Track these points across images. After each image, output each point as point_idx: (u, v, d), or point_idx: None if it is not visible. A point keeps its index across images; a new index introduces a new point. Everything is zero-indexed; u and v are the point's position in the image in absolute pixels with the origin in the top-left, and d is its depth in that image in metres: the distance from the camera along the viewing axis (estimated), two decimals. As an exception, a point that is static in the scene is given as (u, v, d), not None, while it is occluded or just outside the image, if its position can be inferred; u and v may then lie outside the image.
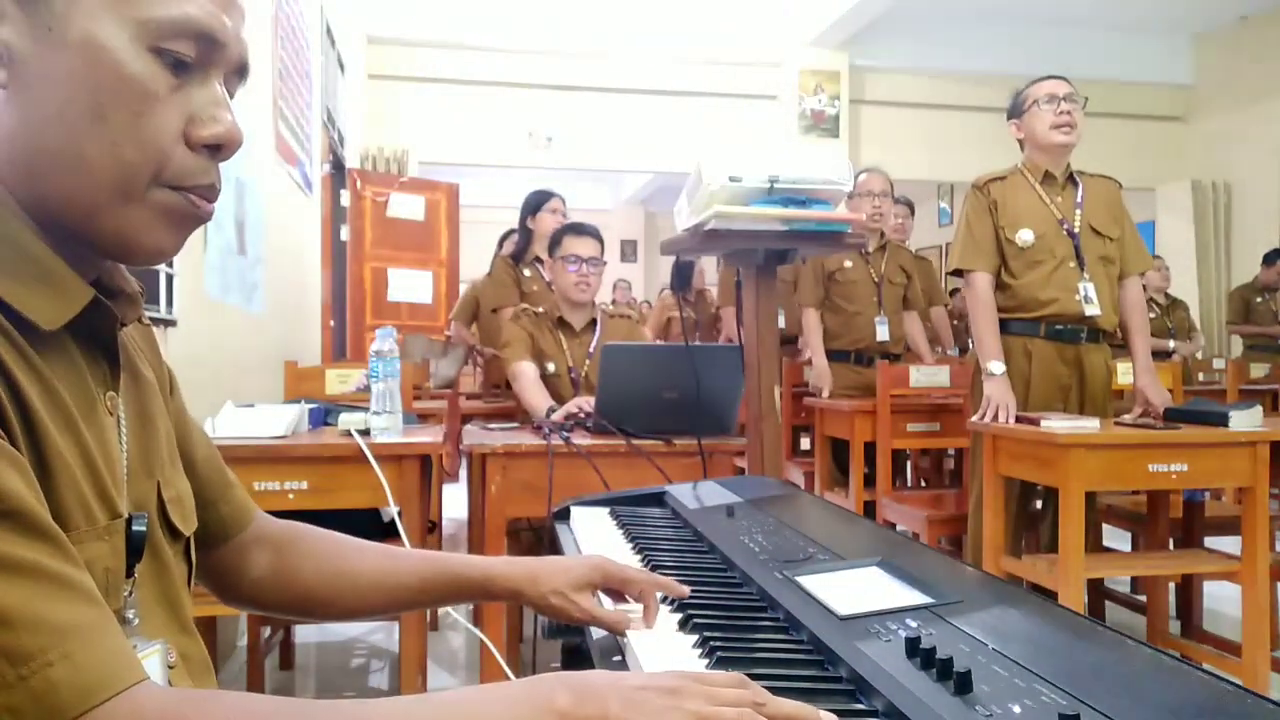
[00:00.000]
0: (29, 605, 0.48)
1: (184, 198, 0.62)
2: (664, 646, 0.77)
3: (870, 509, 3.27)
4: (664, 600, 0.88)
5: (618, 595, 0.90)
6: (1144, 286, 5.69)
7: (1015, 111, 2.74)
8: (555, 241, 2.98)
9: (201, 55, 0.62)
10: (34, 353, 0.57)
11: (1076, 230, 2.66)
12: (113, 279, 0.67)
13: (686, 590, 0.87)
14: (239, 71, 0.66)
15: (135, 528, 0.62)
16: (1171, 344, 5.60)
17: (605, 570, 0.88)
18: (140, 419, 0.69)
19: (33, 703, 0.46)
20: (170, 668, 0.66)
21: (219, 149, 0.63)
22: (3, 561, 0.48)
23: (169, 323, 2.24)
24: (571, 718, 0.54)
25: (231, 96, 0.66)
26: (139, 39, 0.59)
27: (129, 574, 0.63)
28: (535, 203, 3.91)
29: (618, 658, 0.80)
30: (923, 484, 4.29)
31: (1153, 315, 5.73)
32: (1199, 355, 5.93)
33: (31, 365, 0.56)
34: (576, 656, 0.94)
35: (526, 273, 3.93)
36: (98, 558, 0.58)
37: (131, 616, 0.63)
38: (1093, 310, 2.60)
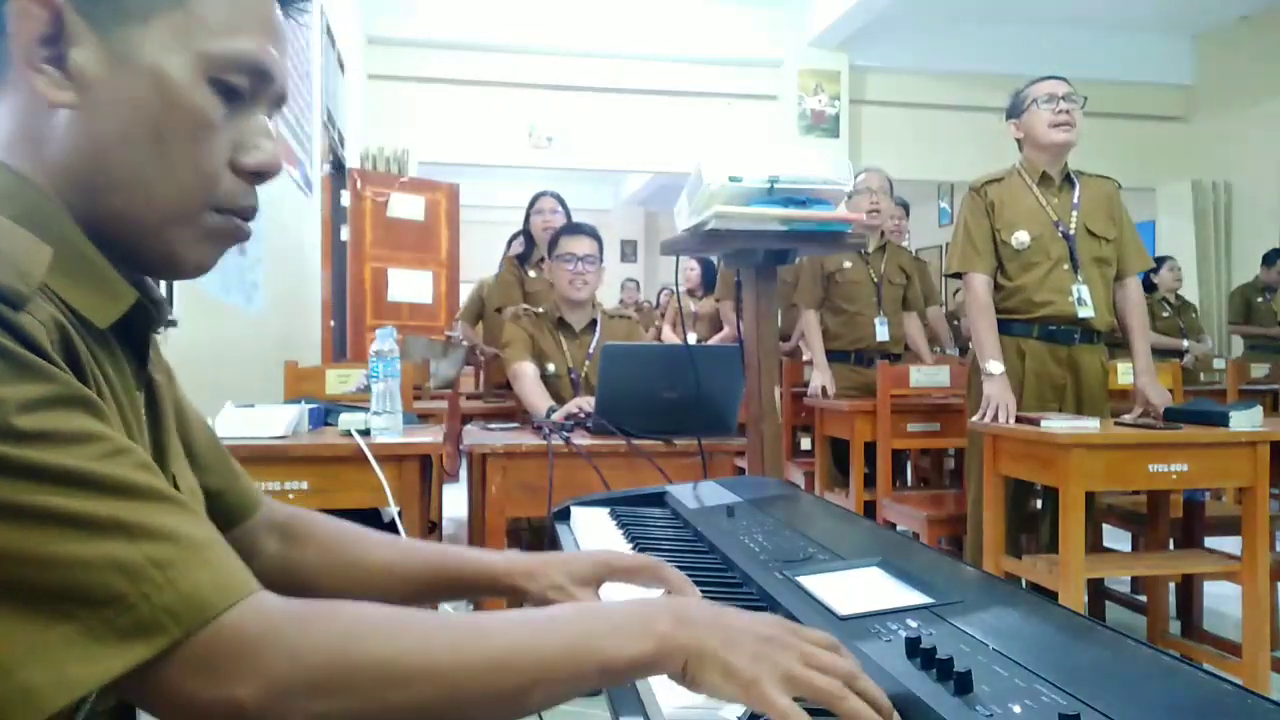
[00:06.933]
0: (166, 523, 0.52)
1: (229, 220, 0.67)
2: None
3: (870, 509, 3.27)
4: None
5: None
6: (1156, 286, 5.66)
7: (1014, 111, 2.75)
8: (553, 242, 3.01)
9: (252, 87, 0.66)
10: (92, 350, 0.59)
11: (1072, 232, 2.66)
12: (144, 285, 0.69)
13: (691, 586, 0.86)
14: (278, 102, 0.70)
15: None
16: (1185, 343, 5.58)
17: (609, 564, 0.87)
18: (152, 417, 0.71)
19: (180, 601, 0.50)
20: None
21: (261, 174, 0.67)
22: (136, 487, 0.51)
23: (169, 323, 2.24)
24: (670, 639, 0.58)
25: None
26: (200, 70, 0.62)
27: None
28: (529, 203, 3.98)
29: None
30: (923, 484, 4.28)
31: (1165, 315, 5.71)
32: (1210, 355, 5.91)
33: (96, 360, 0.59)
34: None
35: (532, 274, 3.96)
36: None
37: None
38: (1086, 312, 2.61)
